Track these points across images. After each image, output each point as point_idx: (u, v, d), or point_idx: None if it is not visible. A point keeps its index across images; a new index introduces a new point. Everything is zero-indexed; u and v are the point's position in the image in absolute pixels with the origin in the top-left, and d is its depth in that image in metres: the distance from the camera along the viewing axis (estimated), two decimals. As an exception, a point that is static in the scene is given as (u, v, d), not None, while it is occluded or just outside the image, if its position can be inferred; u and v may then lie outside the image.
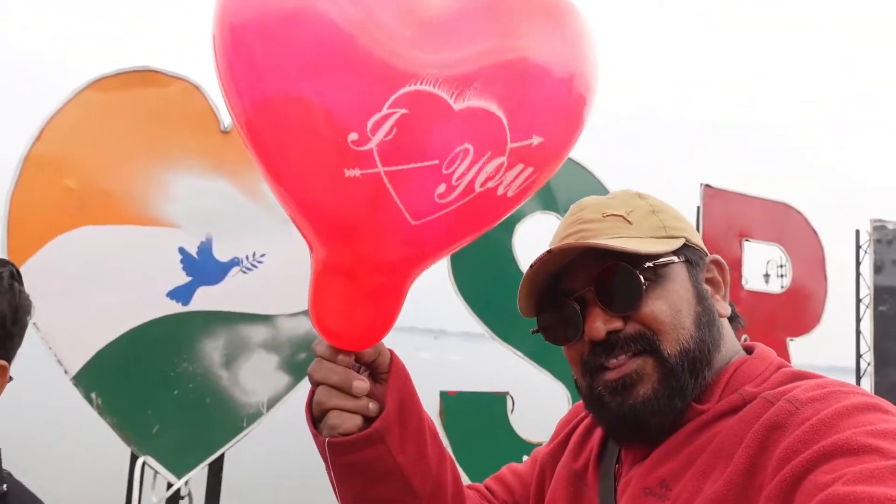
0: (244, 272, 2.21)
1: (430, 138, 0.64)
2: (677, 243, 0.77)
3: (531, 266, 0.77)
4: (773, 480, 0.58)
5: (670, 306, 0.74)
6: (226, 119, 2.23)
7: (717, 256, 0.81)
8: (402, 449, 0.76)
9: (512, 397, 2.62)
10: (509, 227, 2.65)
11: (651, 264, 0.74)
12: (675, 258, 0.76)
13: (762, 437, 0.63)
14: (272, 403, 2.22)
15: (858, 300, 4.80)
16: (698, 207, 3.40)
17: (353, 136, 0.62)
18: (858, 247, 4.92)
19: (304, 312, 2.28)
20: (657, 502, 0.69)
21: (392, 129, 0.62)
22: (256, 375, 2.20)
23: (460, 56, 0.63)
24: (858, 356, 4.76)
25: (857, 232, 4.89)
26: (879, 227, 4.63)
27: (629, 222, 0.78)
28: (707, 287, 0.79)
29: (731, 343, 0.79)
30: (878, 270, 4.66)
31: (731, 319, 0.81)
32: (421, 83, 0.62)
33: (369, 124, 0.61)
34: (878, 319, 4.62)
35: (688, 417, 0.72)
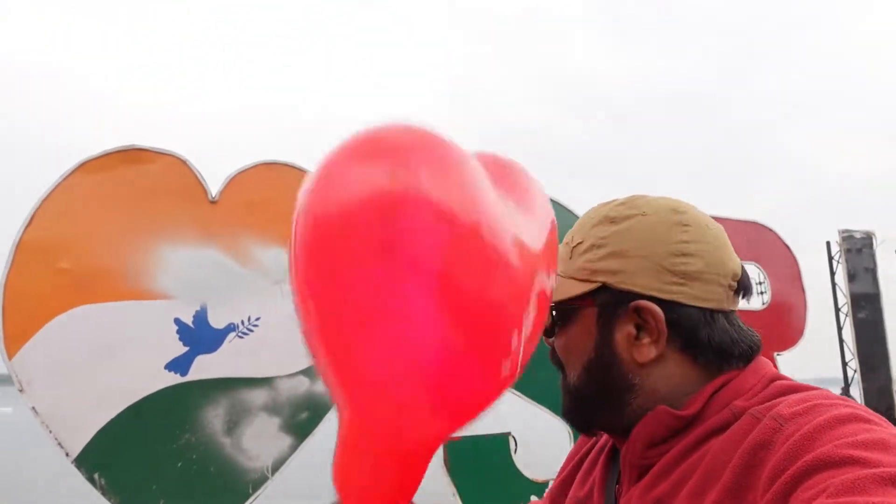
0: (240, 337, 2.23)
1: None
2: (588, 287, 0.77)
3: None
4: (763, 499, 0.59)
5: (565, 345, 0.80)
6: (213, 189, 2.29)
7: (642, 303, 0.74)
8: None
9: (514, 437, 2.64)
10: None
11: (554, 308, 0.80)
12: (578, 304, 0.78)
13: (749, 457, 0.64)
14: (277, 466, 2.21)
15: (837, 309, 4.93)
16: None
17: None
18: (831, 258, 5.08)
19: (303, 371, 2.30)
20: None
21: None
22: (259, 440, 2.20)
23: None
24: (844, 364, 4.86)
25: (828, 243, 5.06)
26: (847, 237, 4.80)
27: (570, 256, 0.81)
28: (628, 331, 0.75)
29: (668, 381, 0.75)
30: (852, 279, 4.81)
31: (715, 355, 0.75)
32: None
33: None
34: (859, 326, 4.74)
35: (678, 435, 0.73)
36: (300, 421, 2.27)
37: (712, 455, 0.68)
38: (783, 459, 0.59)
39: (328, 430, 2.37)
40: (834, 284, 4.99)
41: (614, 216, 0.79)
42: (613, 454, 0.84)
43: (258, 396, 2.23)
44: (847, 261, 4.81)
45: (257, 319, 2.27)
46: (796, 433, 0.60)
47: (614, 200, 0.83)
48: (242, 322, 2.25)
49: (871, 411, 0.63)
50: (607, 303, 0.77)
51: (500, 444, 2.61)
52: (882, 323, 4.69)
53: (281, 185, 2.40)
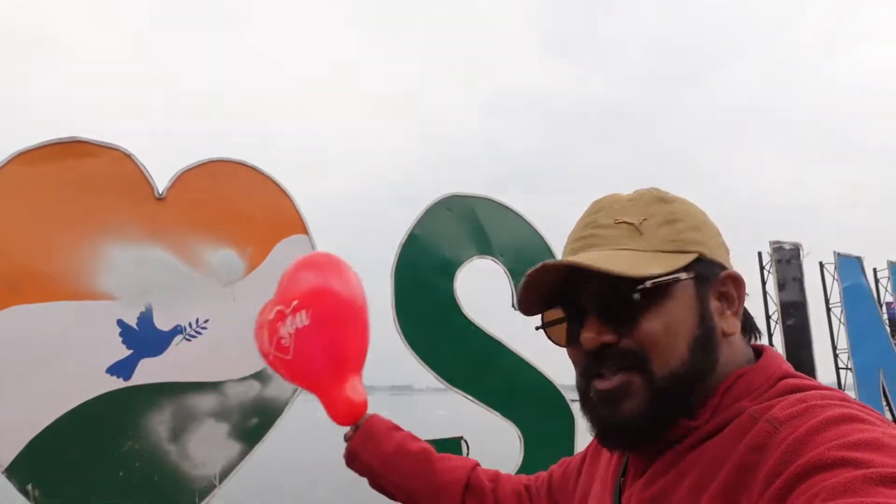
0: (188, 340, 2.15)
1: None
2: (687, 259, 0.74)
3: (527, 275, 0.77)
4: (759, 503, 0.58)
5: (666, 328, 0.72)
6: (160, 185, 2.20)
7: (733, 271, 0.76)
8: (371, 461, 1.20)
9: (466, 441, 2.64)
10: (450, 274, 2.72)
11: (651, 284, 0.71)
12: (680, 275, 0.73)
13: (744, 459, 0.63)
14: (225, 474, 2.14)
15: (768, 316, 5.19)
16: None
17: None
18: (762, 267, 5.34)
19: (253, 376, 2.24)
20: None
21: None
22: (207, 446, 2.12)
23: None
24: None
25: (759, 254, 5.32)
26: (778, 248, 5.06)
27: (640, 232, 0.75)
28: (717, 304, 0.75)
29: (737, 357, 0.76)
30: (782, 287, 5.07)
31: (747, 329, 0.79)
32: None
33: None
34: (788, 332, 5.00)
35: (682, 434, 0.72)
36: (250, 427, 2.20)
37: (709, 454, 0.67)
38: (777, 463, 0.58)
39: (278, 436, 2.30)
40: (765, 293, 5.24)
41: (663, 196, 0.80)
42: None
43: (206, 401, 2.15)
44: (777, 271, 5.08)
45: (206, 322, 2.19)
46: (790, 436, 0.60)
47: (628, 193, 0.82)
48: (190, 324, 2.16)
49: (869, 409, 0.63)
50: (700, 275, 0.74)
51: (452, 447, 2.60)
52: (808, 329, 4.97)
53: (232, 184, 2.33)
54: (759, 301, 5.19)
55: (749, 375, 0.72)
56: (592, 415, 0.77)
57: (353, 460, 1.25)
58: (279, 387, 2.27)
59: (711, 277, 0.75)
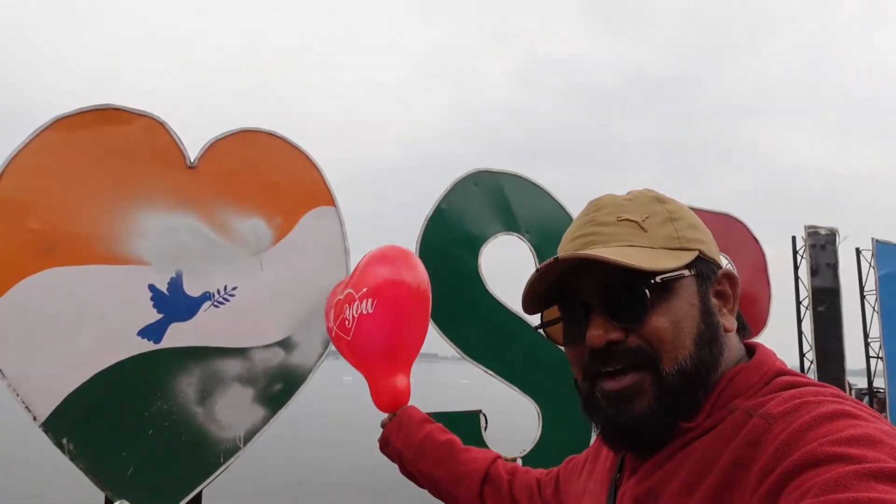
0: (216, 306, 2.20)
1: None
2: (690, 256, 0.75)
3: (537, 270, 0.78)
4: (753, 499, 0.59)
5: (673, 324, 0.73)
6: (192, 154, 2.24)
7: (729, 269, 0.78)
8: (402, 448, 1.32)
9: (485, 415, 2.67)
10: (474, 249, 2.72)
11: (659, 279, 0.72)
12: (685, 272, 0.74)
13: (738, 455, 0.63)
14: (249, 437, 2.20)
15: (798, 302, 5.10)
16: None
17: None
18: (795, 252, 5.22)
19: (279, 343, 2.29)
20: None
21: None
22: (232, 410, 2.18)
23: None
24: (802, 355, 5.04)
25: (794, 238, 5.20)
26: (813, 233, 4.94)
27: (643, 229, 0.76)
28: (715, 301, 0.77)
29: (734, 354, 0.77)
30: (815, 273, 4.96)
31: (740, 329, 0.80)
32: None
33: None
34: (818, 319, 4.91)
35: (677, 433, 0.73)
36: (274, 392, 2.26)
37: (703, 450, 0.68)
38: (771, 459, 0.59)
39: (301, 401, 2.36)
40: (797, 278, 5.14)
41: (657, 196, 0.82)
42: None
43: (232, 366, 2.21)
44: (811, 256, 4.96)
45: (234, 289, 2.23)
46: (784, 432, 0.60)
47: (623, 194, 0.85)
48: (218, 291, 2.21)
49: (862, 405, 0.63)
50: (701, 273, 0.77)
51: (471, 420, 2.64)
52: (840, 317, 4.87)
53: (262, 154, 2.35)
54: (791, 286, 5.10)
55: (744, 373, 0.74)
56: (598, 415, 0.78)
57: (386, 445, 1.36)
58: (303, 354, 2.32)
59: (710, 275, 0.78)
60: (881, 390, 5.96)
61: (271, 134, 2.38)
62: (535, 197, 2.93)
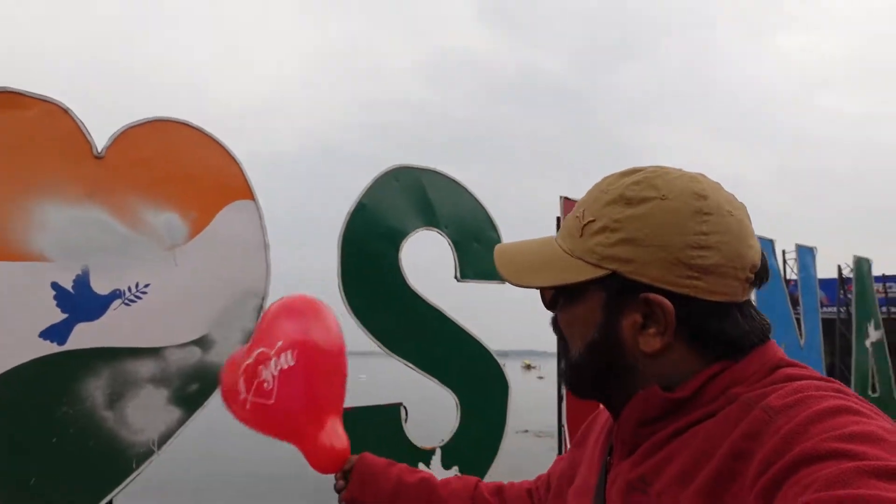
0: (127, 304, 2.09)
1: None
2: (597, 273, 0.75)
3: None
4: (751, 493, 0.59)
5: (568, 322, 0.82)
6: (99, 143, 2.10)
7: (655, 296, 0.72)
8: (375, 489, 1.23)
9: (405, 407, 2.72)
10: (396, 243, 2.75)
11: (549, 290, 0.84)
12: (587, 287, 0.77)
13: (737, 446, 0.63)
14: (164, 440, 2.12)
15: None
16: (558, 218, 3.72)
17: None
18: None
19: (194, 342, 2.21)
20: (640, 497, 0.72)
21: None
22: (145, 413, 2.09)
23: None
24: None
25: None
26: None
27: (580, 234, 0.78)
28: (634, 320, 0.74)
29: (674, 370, 0.75)
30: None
31: (710, 346, 0.74)
32: None
33: None
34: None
35: (670, 416, 0.73)
36: (190, 393, 2.18)
37: (701, 439, 0.68)
38: (771, 453, 0.59)
39: (219, 402, 2.29)
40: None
41: (630, 197, 0.75)
42: (612, 429, 0.85)
43: (145, 367, 2.11)
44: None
45: (146, 286, 2.13)
46: (784, 426, 0.60)
47: (632, 173, 0.78)
48: (129, 288, 2.10)
49: (864, 402, 0.63)
50: (616, 290, 0.75)
51: (392, 413, 2.67)
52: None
53: (177, 145, 2.24)
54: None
55: (740, 365, 0.72)
56: None
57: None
58: (221, 352, 2.25)
59: (626, 295, 0.74)
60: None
61: (186, 124, 2.28)
62: (453, 193, 2.99)
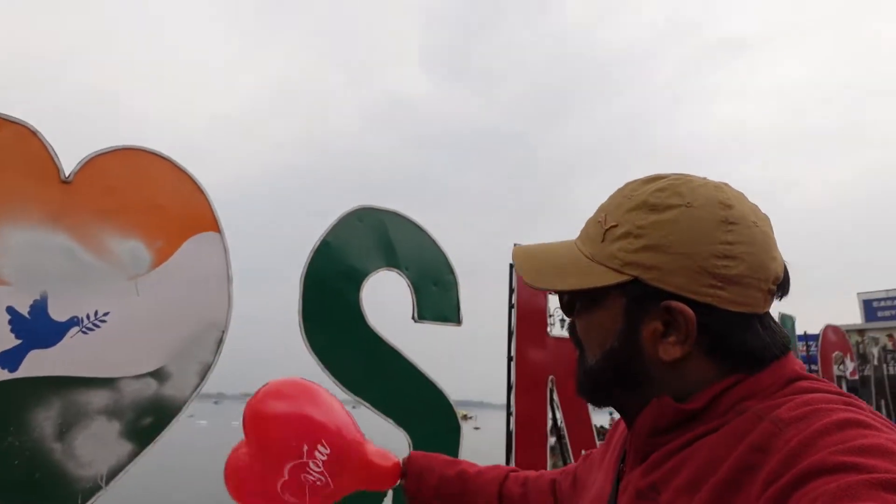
0: (84, 332, 2.04)
1: None
2: (620, 278, 0.75)
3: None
4: None
5: (586, 329, 0.81)
6: (67, 168, 2.08)
7: (674, 303, 0.72)
8: (427, 500, 1.27)
9: (359, 448, 2.70)
10: (357, 283, 2.78)
11: (584, 291, 0.79)
12: (608, 293, 0.77)
13: (745, 457, 0.63)
14: (112, 475, 2.04)
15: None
16: (511, 265, 3.85)
17: None
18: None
19: (151, 373, 2.17)
20: None
21: None
22: (95, 445, 2.01)
23: None
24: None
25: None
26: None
27: (602, 238, 0.78)
28: (654, 327, 0.74)
29: (693, 379, 0.74)
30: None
31: (729, 357, 0.74)
32: None
33: None
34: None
35: (682, 427, 0.73)
36: (143, 426, 2.12)
37: (710, 449, 0.68)
38: (779, 465, 0.59)
39: (172, 436, 2.24)
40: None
41: (655, 203, 0.74)
42: (626, 436, 0.85)
43: (98, 398, 2.05)
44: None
45: (105, 314, 2.09)
46: (793, 439, 0.60)
47: (655, 180, 0.78)
48: (88, 316, 2.06)
49: (876, 414, 0.63)
50: (637, 297, 0.74)
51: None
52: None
53: (145, 174, 2.25)
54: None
55: (755, 378, 0.71)
56: None
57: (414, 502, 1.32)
58: (177, 385, 2.21)
59: (648, 302, 0.74)
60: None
61: (156, 154, 2.29)
62: (414, 235, 3.07)
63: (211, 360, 2.29)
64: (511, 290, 3.83)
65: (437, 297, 3.08)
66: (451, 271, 3.19)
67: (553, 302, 4.06)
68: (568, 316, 0.87)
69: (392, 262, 2.94)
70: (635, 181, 0.80)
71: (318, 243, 2.69)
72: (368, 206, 2.93)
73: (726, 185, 0.77)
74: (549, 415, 3.83)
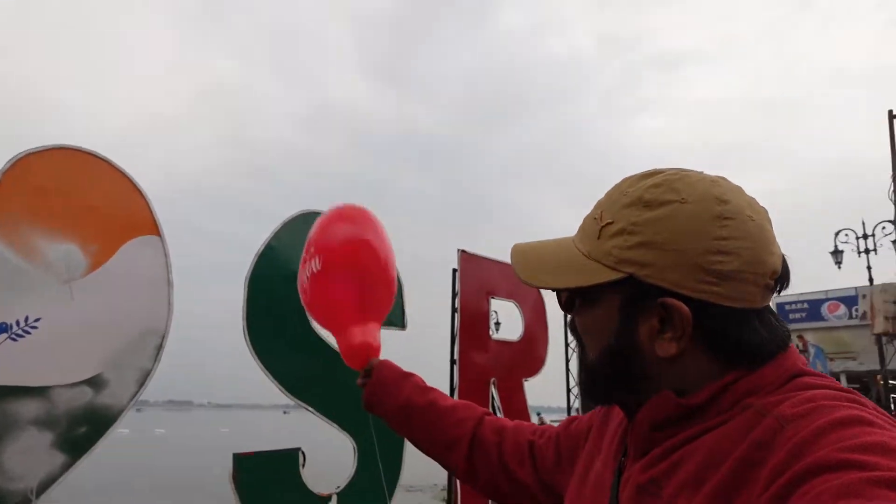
0: (13, 340, 1.95)
1: None
2: (615, 276, 0.74)
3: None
4: (761, 502, 0.58)
5: (584, 326, 0.81)
6: (-5, 168, 1.99)
7: (669, 300, 0.71)
8: (385, 414, 1.30)
9: (303, 453, 2.69)
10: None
11: (580, 288, 0.78)
12: (604, 290, 0.76)
13: (749, 454, 0.63)
14: (43, 488, 1.96)
15: (567, 344, 5.88)
16: (454, 269, 3.90)
17: None
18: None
19: (86, 381, 2.09)
20: (651, 500, 0.72)
21: None
22: (25, 458, 1.93)
23: None
24: (568, 390, 5.79)
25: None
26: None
27: (598, 235, 0.77)
28: (651, 325, 0.73)
29: (694, 375, 0.74)
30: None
31: (727, 353, 0.73)
32: None
33: None
34: (581, 360, 5.69)
35: (683, 422, 0.73)
36: (77, 436, 2.05)
37: (713, 445, 0.67)
38: (782, 462, 0.58)
39: (108, 446, 2.16)
40: (566, 324, 5.92)
41: (650, 200, 0.74)
42: (627, 428, 0.84)
43: (28, 408, 1.96)
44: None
45: (37, 321, 2.00)
46: (796, 435, 0.60)
47: (651, 175, 0.77)
48: (18, 322, 1.97)
49: (880, 411, 0.63)
50: (633, 294, 0.74)
51: (289, 459, 2.63)
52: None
53: (79, 175, 2.17)
54: (561, 331, 5.85)
55: (757, 374, 0.71)
56: None
57: (370, 408, 1.34)
58: (114, 394, 2.14)
59: (643, 300, 0.73)
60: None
61: (91, 154, 2.21)
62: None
63: (150, 366, 2.23)
64: (454, 295, 3.88)
65: (382, 301, 3.09)
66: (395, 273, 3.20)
67: (495, 306, 4.14)
68: (567, 313, 0.86)
69: (337, 266, 2.93)
70: (632, 177, 0.79)
71: (263, 247, 2.66)
72: (314, 211, 2.91)
73: (723, 178, 0.77)
74: (491, 416, 3.90)
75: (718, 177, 0.76)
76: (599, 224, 0.77)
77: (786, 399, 0.66)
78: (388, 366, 1.36)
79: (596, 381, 0.80)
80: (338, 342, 1.40)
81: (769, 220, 0.75)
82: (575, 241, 0.83)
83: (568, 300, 0.84)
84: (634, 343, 0.75)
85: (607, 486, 0.83)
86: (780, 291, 0.75)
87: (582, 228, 0.83)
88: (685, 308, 0.70)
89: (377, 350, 1.40)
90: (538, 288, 0.83)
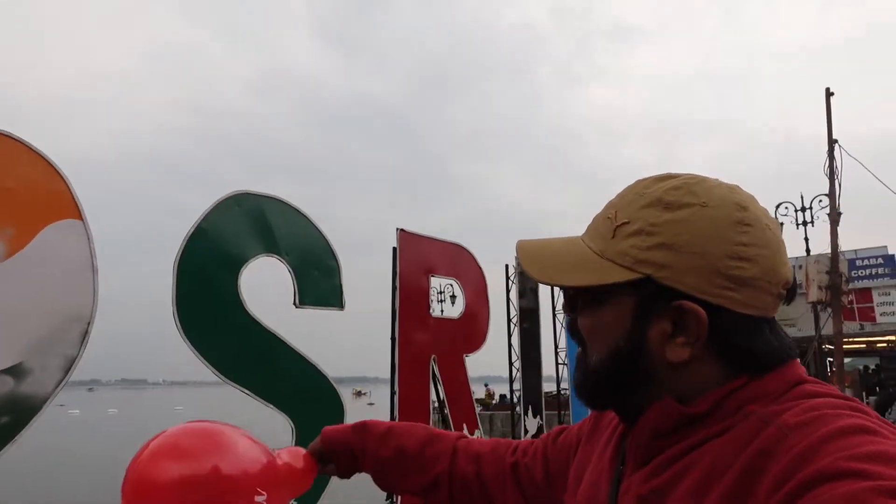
0: (-76, 329, 1.88)
1: None
2: (630, 276, 0.73)
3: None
4: None
5: (591, 327, 0.78)
6: None
7: (686, 304, 0.70)
8: (361, 467, 1.18)
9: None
10: (235, 269, 2.74)
11: (590, 287, 0.76)
12: (616, 290, 0.74)
13: (751, 463, 0.62)
14: (-37, 480, 1.92)
15: (509, 320, 6.03)
16: (394, 248, 3.93)
17: None
18: (508, 277, 6.17)
19: (6, 370, 2.04)
20: None
21: None
22: (-58, 450, 1.88)
23: None
24: (511, 364, 5.95)
25: (507, 266, 6.13)
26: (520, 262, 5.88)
27: (612, 235, 0.75)
28: (663, 328, 0.72)
29: (700, 382, 0.72)
30: (522, 296, 5.93)
31: (738, 359, 0.72)
32: None
33: None
34: (523, 334, 5.86)
35: (685, 430, 0.72)
36: (0, 426, 2.00)
37: (716, 454, 0.66)
38: (785, 471, 0.58)
39: (32, 434, 2.12)
40: (508, 300, 6.07)
41: (670, 201, 0.73)
42: (624, 435, 0.82)
43: (-56, 399, 1.90)
44: (519, 281, 5.91)
45: (-50, 309, 1.94)
46: (799, 444, 0.59)
47: (668, 178, 0.76)
48: (-71, 311, 1.90)
49: (882, 420, 0.62)
50: (648, 296, 0.72)
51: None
52: (539, 331, 5.88)
53: (5, 161, 2.08)
54: (503, 307, 5.98)
55: (761, 382, 0.71)
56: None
57: (349, 475, 1.21)
58: (38, 382, 2.10)
59: (658, 302, 0.72)
60: (566, 391, 7.33)
61: (7, 135, 2.13)
62: (295, 221, 3.05)
63: (76, 353, 2.19)
64: (395, 273, 3.91)
65: (319, 283, 3.10)
66: (333, 257, 3.20)
67: (435, 283, 4.19)
68: (569, 314, 0.83)
69: (272, 248, 2.92)
70: (647, 178, 0.78)
71: (193, 229, 2.62)
72: (247, 192, 2.88)
73: (739, 186, 0.76)
74: (433, 392, 3.99)
75: (734, 184, 0.76)
76: (614, 224, 0.76)
77: (788, 408, 0.65)
78: (333, 439, 1.19)
79: (599, 384, 0.78)
80: (299, 490, 1.14)
81: (781, 231, 0.76)
82: (585, 240, 0.81)
83: (571, 300, 0.82)
84: (644, 345, 0.73)
85: (604, 497, 0.81)
86: (788, 303, 0.75)
87: (593, 228, 0.81)
88: (702, 312, 0.69)
89: (303, 456, 1.17)
90: (551, 285, 0.81)
